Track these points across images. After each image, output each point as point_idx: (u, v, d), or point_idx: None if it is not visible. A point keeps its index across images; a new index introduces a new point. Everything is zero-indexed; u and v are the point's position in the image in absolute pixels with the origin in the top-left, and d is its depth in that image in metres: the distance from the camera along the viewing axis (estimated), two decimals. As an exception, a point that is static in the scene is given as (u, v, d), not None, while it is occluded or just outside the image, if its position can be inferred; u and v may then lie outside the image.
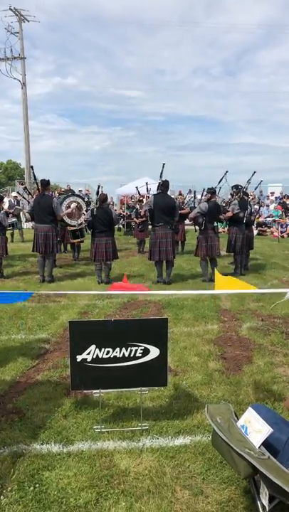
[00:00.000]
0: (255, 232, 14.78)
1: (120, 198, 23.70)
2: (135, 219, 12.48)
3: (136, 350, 2.77)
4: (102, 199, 7.61)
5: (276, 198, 20.98)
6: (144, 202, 9.85)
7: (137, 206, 12.75)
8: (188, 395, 3.32)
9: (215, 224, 7.94)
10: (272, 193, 21.49)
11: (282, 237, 15.85)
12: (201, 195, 11.05)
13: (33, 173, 8.70)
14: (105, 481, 2.32)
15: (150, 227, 7.97)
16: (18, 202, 14.03)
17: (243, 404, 3.07)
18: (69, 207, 9.28)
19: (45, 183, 7.90)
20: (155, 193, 7.86)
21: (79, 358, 2.75)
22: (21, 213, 13.82)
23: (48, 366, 3.88)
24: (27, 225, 16.59)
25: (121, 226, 17.64)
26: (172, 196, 9.07)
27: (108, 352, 2.75)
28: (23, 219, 15.37)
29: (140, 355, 2.77)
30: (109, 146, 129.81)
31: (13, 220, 12.18)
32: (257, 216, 12.97)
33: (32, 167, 8.93)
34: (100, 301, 6.20)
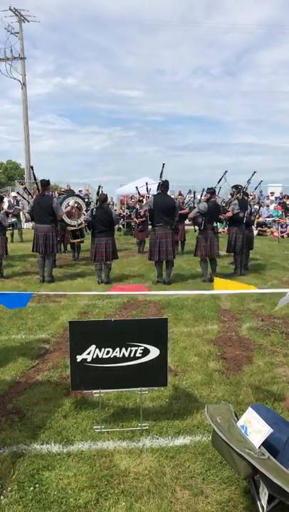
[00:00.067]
0: (255, 232, 14.79)
1: (120, 198, 23.70)
2: (135, 219, 12.49)
3: (136, 351, 2.77)
4: (102, 199, 7.61)
5: (276, 198, 20.98)
6: (144, 202, 9.86)
7: (137, 206, 12.76)
8: (188, 395, 3.32)
9: (215, 224, 7.94)
10: (272, 193, 21.50)
11: (282, 237, 15.85)
12: (201, 195, 11.05)
13: (33, 173, 8.70)
14: (105, 481, 2.32)
15: (150, 227, 7.97)
16: (17, 202, 14.03)
17: (243, 405, 3.07)
18: (68, 205, 9.29)
19: (45, 183, 7.90)
20: (155, 193, 7.86)
21: (79, 358, 2.75)
22: (21, 213, 13.84)
23: (48, 366, 3.88)
24: (27, 225, 16.60)
25: (121, 226, 17.64)
26: (172, 196, 9.07)
27: (108, 352, 2.75)
28: (22, 219, 15.39)
29: (140, 355, 2.77)
30: (109, 146, 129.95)
31: (13, 220, 12.19)
32: (257, 216, 12.97)
33: (32, 167, 8.92)
34: (99, 301, 6.20)
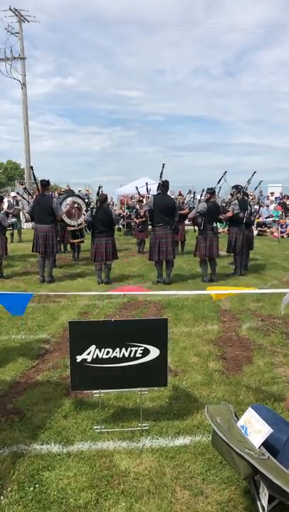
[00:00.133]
0: (255, 232, 14.79)
1: (120, 198, 23.71)
2: (135, 219, 12.49)
3: (136, 351, 2.77)
4: (102, 199, 7.61)
5: (276, 198, 20.99)
6: (144, 202, 9.86)
7: (137, 206, 12.76)
8: (188, 395, 3.32)
9: (214, 224, 7.94)
10: (272, 194, 21.50)
11: (282, 237, 15.85)
12: (200, 196, 11.05)
13: (33, 173, 8.70)
14: (105, 481, 2.32)
15: (150, 227, 7.97)
16: (17, 202, 14.03)
17: (243, 405, 3.07)
18: (67, 204, 9.29)
19: (45, 184, 7.90)
20: (155, 193, 7.86)
21: (79, 358, 2.75)
22: (21, 213, 13.83)
23: (48, 366, 3.88)
24: (27, 225, 16.60)
25: (121, 226, 17.63)
26: (172, 196, 9.07)
27: (108, 352, 2.75)
28: (22, 219, 15.38)
29: (140, 355, 2.77)
30: (109, 146, 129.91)
31: (13, 220, 12.19)
32: (257, 216, 12.97)
33: (32, 167, 8.92)
34: (99, 302, 6.20)
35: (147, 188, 12.56)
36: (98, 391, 2.82)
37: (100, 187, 8.45)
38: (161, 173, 7.69)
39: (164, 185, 7.49)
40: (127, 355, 2.77)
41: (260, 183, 11.34)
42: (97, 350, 2.74)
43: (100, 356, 2.75)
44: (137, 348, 2.77)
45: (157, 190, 7.69)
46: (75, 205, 9.62)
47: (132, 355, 2.77)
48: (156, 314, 5.56)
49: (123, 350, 2.76)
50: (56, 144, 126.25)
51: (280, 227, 16.28)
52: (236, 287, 3.38)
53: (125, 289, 5.16)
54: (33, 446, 2.64)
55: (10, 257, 9.80)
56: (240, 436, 1.98)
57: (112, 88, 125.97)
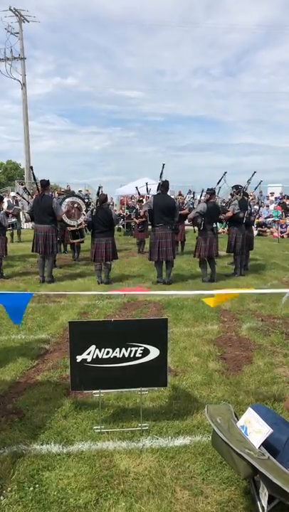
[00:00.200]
0: (255, 232, 14.79)
1: (120, 198, 23.71)
2: (135, 219, 12.49)
3: (136, 351, 2.77)
4: (102, 199, 7.61)
5: (276, 198, 21.00)
6: (144, 202, 9.86)
7: (137, 206, 12.76)
8: (188, 395, 3.32)
9: (214, 225, 7.94)
10: (272, 194, 21.51)
11: (282, 237, 15.86)
12: (200, 196, 11.06)
13: (33, 173, 8.71)
14: (105, 481, 2.32)
15: (150, 227, 7.97)
16: (16, 202, 14.02)
17: (243, 405, 3.07)
18: (66, 205, 9.29)
19: (45, 184, 7.90)
20: (155, 193, 7.86)
21: (79, 358, 2.75)
22: (21, 213, 13.83)
23: (48, 366, 3.88)
24: (27, 226, 16.59)
25: (121, 226, 17.64)
26: (172, 197, 9.07)
27: (108, 352, 2.75)
28: (22, 219, 15.37)
29: (140, 355, 2.77)
30: (109, 146, 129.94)
31: (13, 220, 12.19)
32: (257, 216, 12.98)
33: (32, 167, 8.93)
34: (99, 302, 6.20)
35: (147, 188, 12.56)
36: (98, 391, 2.82)
37: (99, 187, 8.45)
38: (161, 174, 7.70)
39: (164, 186, 7.50)
40: (127, 355, 2.77)
41: (260, 183, 11.35)
42: (97, 350, 2.74)
43: (100, 356, 2.75)
44: (137, 348, 2.77)
45: (157, 190, 7.69)
46: (75, 205, 9.62)
47: (132, 355, 2.77)
48: (156, 314, 5.56)
49: (123, 350, 2.76)
50: (56, 144, 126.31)
51: (280, 227, 16.29)
52: (236, 288, 3.38)
53: (125, 289, 5.17)
54: (33, 446, 2.64)
55: (10, 257, 9.80)
56: (240, 437, 1.98)
57: (112, 88, 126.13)
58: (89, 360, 2.75)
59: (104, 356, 2.75)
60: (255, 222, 13.23)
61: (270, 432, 1.91)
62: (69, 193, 12.00)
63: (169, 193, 7.97)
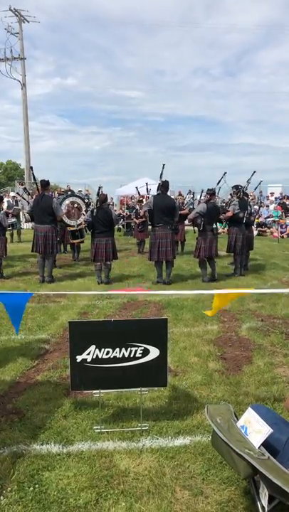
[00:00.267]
0: (255, 232, 14.79)
1: (120, 198, 23.71)
2: (135, 219, 12.49)
3: (136, 351, 2.77)
4: (102, 199, 7.61)
5: (276, 198, 21.00)
6: (144, 202, 9.86)
7: (137, 206, 12.76)
8: (188, 395, 3.32)
9: (214, 225, 7.94)
10: (272, 194, 21.51)
11: (282, 237, 15.86)
12: (200, 196, 11.06)
13: (33, 173, 8.71)
14: (105, 481, 2.32)
15: (150, 227, 7.97)
16: (16, 202, 14.01)
17: (243, 405, 3.07)
18: (66, 206, 9.29)
19: (45, 184, 7.90)
20: (155, 193, 7.86)
21: (79, 358, 2.75)
22: (20, 213, 13.81)
23: (48, 366, 3.88)
24: (27, 226, 16.59)
25: (121, 226, 17.64)
26: (172, 197, 9.08)
27: (108, 352, 2.75)
28: (22, 219, 15.37)
29: (140, 355, 2.77)
30: (109, 146, 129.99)
31: (13, 220, 12.18)
32: (257, 216, 12.98)
33: (32, 168, 8.94)
34: (99, 302, 6.20)
35: (147, 189, 12.56)
36: (98, 391, 2.82)
37: (100, 187, 8.45)
38: (161, 174, 7.70)
39: (164, 186, 7.50)
40: (126, 355, 2.77)
41: (259, 183, 11.37)
42: (97, 350, 2.74)
43: (100, 356, 2.75)
44: (136, 348, 2.77)
45: (157, 190, 7.69)
46: (75, 205, 9.62)
47: (131, 355, 2.77)
48: (156, 314, 5.56)
49: (123, 350, 2.76)
50: (56, 144, 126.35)
51: (279, 228, 16.29)
52: (236, 288, 3.38)
53: (125, 289, 5.17)
54: (33, 446, 2.64)
55: (10, 257, 9.80)
56: (240, 437, 1.98)
57: (112, 88, 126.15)
58: (89, 360, 2.75)
59: (104, 356, 2.75)
60: (255, 222, 13.23)
61: (270, 432, 1.91)
62: (69, 193, 11.98)
63: (169, 193, 7.97)
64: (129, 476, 2.37)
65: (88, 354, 2.74)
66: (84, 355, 2.74)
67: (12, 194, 16.07)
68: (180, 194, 15.41)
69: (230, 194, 9.33)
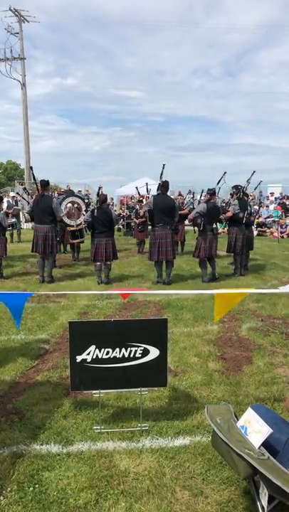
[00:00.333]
0: (255, 232, 14.79)
1: (120, 198, 23.71)
2: (135, 219, 12.49)
3: (136, 351, 2.77)
4: (102, 200, 7.61)
5: (276, 198, 21.00)
6: (144, 202, 9.86)
7: (137, 207, 12.75)
8: (188, 395, 3.31)
9: (214, 225, 7.94)
10: (272, 194, 21.51)
11: (282, 237, 15.86)
12: (200, 196, 11.07)
13: (33, 173, 8.71)
14: (105, 481, 2.32)
15: (150, 227, 7.97)
16: (16, 202, 14.01)
17: (243, 405, 3.07)
18: (66, 207, 9.29)
19: (45, 184, 7.90)
20: (155, 193, 7.86)
21: (79, 358, 2.74)
22: (20, 213, 13.81)
23: (48, 367, 3.87)
24: (26, 226, 16.58)
25: (121, 226, 17.64)
26: (172, 197, 9.08)
27: (108, 352, 2.75)
28: (22, 219, 15.36)
29: (140, 355, 2.77)
30: (109, 146, 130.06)
31: (13, 220, 12.18)
32: (257, 217, 12.97)
33: (31, 167, 8.94)
34: (99, 302, 6.20)
35: (147, 189, 12.57)
36: (98, 391, 2.82)
37: (99, 187, 8.45)
38: (162, 174, 7.70)
39: (164, 186, 7.50)
40: (126, 355, 2.76)
41: (259, 183, 11.39)
42: (97, 350, 2.74)
43: (100, 356, 2.75)
44: (136, 348, 2.77)
45: (157, 190, 7.69)
46: (75, 205, 9.63)
47: (131, 356, 2.77)
48: (156, 314, 5.56)
49: (123, 350, 2.76)
50: (56, 144, 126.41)
51: (279, 228, 16.28)
52: (236, 288, 3.37)
53: (125, 289, 5.16)
54: (33, 446, 2.64)
55: (10, 257, 9.80)
56: (239, 437, 1.98)
57: (112, 88, 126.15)
58: (89, 360, 2.75)
59: (104, 356, 2.75)
60: (255, 223, 13.23)
61: (270, 432, 1.91)
62: (69, 193, 11.99)
63: (169, 194, 7.97)
64: (129, 476, 2.36)
65: (88, 354, 2.74)
66: (84, 356, 2.74)
67: (12, 194, 16.06)
68: (180, 194, 15.41)
69: (230, 194, 9.34)
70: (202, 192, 10.18)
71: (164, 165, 7.78)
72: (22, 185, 20.33)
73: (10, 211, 10.89)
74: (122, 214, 17.93)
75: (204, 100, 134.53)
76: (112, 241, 7.53)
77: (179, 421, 2.92)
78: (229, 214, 8.16)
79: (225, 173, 8.81)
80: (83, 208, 9.75)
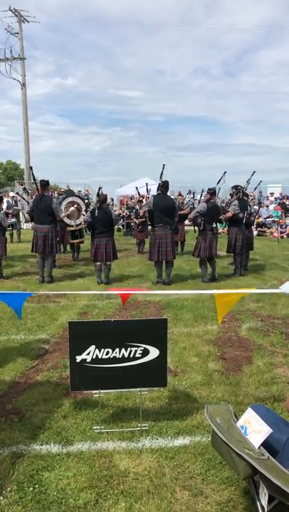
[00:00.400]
0: (255, 232, 14.79)
1: (120, 198, 23.72)
2: (135, 219, 12.49)
3: (135, 351, 2.77)
4: (102, 200, 7.61)
5: (276, 198, 21.00)
6: (144, 202, 9.86)
7: (137, 207, 12.75)
8: (188, 395, 3.31)
9: (214, 225, 7.94)
10: (272, 194, 21.51)
11: (282, 237, 15.86)
12: (200, 196, 11.07)
13: (33, 173, 8.72)
14: (105, 481, 2.32)
15: (150, 227, 7.97)
16: (16, 202, 14.01)
17: (243, 405, 3.07)
18: (68, 208, 9.28)
19: (45, 184, 7.90)
20: (155, 193, 7.86)
21: (78, 358, 2.74)
22: (20, 213, 13.81)
23: (48, 367, 3.88)
24: (26, 226, 16.57)
25: (121, 227, 17.64)
26: (172, 197, 9.08)
27: (108, 352, 2.75)
28: (22, 219, 15.35)
29: (140, 355, 2.77)
30: (109, 146, 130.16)
31: (13, 220, 12.18)
32: (256, 217, 12.97)
33: (31, 167, 8.95)
34: (99, 302, 6.20)
35: (147, 189, 12.57)
36: (98, 391, 2.82)
37: (99, 187, 8.46)
38: (162, 174, 7.71)
39: (163, 186, 7.50)
40: (126, 355, 2.76)
41: (259, 184, 11.40)
42: (97, 350, 2.74)
43: (100, 356, 2.75)
44: (136, 349, 2.77)
45: (157, 190, 7.69)
46: (74, 205, 9.63)
47: (131, 356, 2.77)
48: (156, 314, 5.56)
49: (123, 350, 2.76)
50: (56, 144, 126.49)
51: (279, 228, 16.28)
52: (236, 288, 3.37)
53: (125, 289, 5.15)
54: (33, 446, 2.64)
55: (9, 257, 9.80)
56: (239, 437, 1.98)
57: (112, 88, 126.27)
58: (88, 360, 2.75)
59: (104, 356, 2.75)
60: (255, 223, 13.23)
61: (270, 432, 1.91)
62: (68, 193, 11.98)
63: (169, 194, 7.97)
64: (128, 476, 2.36)
65: (88, 354, 2.74)
66: (84, 356, 2.74)
67: (12, 194, 16.06)
68: (180, 194, 15.40)
69: (230, 194, 9.34)
70: (202, 192, 10.18)
71: (164, 165, 7.79)
72: (22, 185, 20.32)
73: (10, 211, 10.89)
74: (122, 214, 17.93)
75: (204, 100, 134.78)
76: (112, 241, 7.53)
77: (178, 421, 2.92)
78: (229, 214, 8.15)
79: (225, 173, 8.82)
80: (83, 208, 9.75)
